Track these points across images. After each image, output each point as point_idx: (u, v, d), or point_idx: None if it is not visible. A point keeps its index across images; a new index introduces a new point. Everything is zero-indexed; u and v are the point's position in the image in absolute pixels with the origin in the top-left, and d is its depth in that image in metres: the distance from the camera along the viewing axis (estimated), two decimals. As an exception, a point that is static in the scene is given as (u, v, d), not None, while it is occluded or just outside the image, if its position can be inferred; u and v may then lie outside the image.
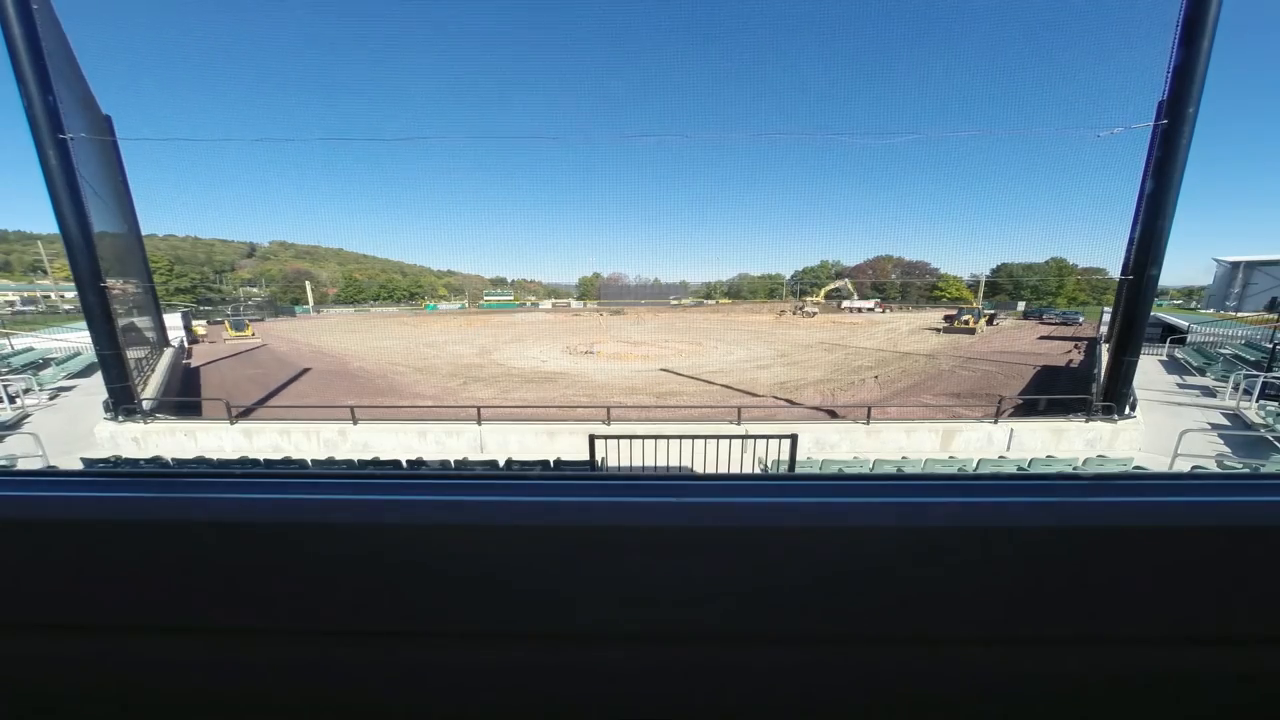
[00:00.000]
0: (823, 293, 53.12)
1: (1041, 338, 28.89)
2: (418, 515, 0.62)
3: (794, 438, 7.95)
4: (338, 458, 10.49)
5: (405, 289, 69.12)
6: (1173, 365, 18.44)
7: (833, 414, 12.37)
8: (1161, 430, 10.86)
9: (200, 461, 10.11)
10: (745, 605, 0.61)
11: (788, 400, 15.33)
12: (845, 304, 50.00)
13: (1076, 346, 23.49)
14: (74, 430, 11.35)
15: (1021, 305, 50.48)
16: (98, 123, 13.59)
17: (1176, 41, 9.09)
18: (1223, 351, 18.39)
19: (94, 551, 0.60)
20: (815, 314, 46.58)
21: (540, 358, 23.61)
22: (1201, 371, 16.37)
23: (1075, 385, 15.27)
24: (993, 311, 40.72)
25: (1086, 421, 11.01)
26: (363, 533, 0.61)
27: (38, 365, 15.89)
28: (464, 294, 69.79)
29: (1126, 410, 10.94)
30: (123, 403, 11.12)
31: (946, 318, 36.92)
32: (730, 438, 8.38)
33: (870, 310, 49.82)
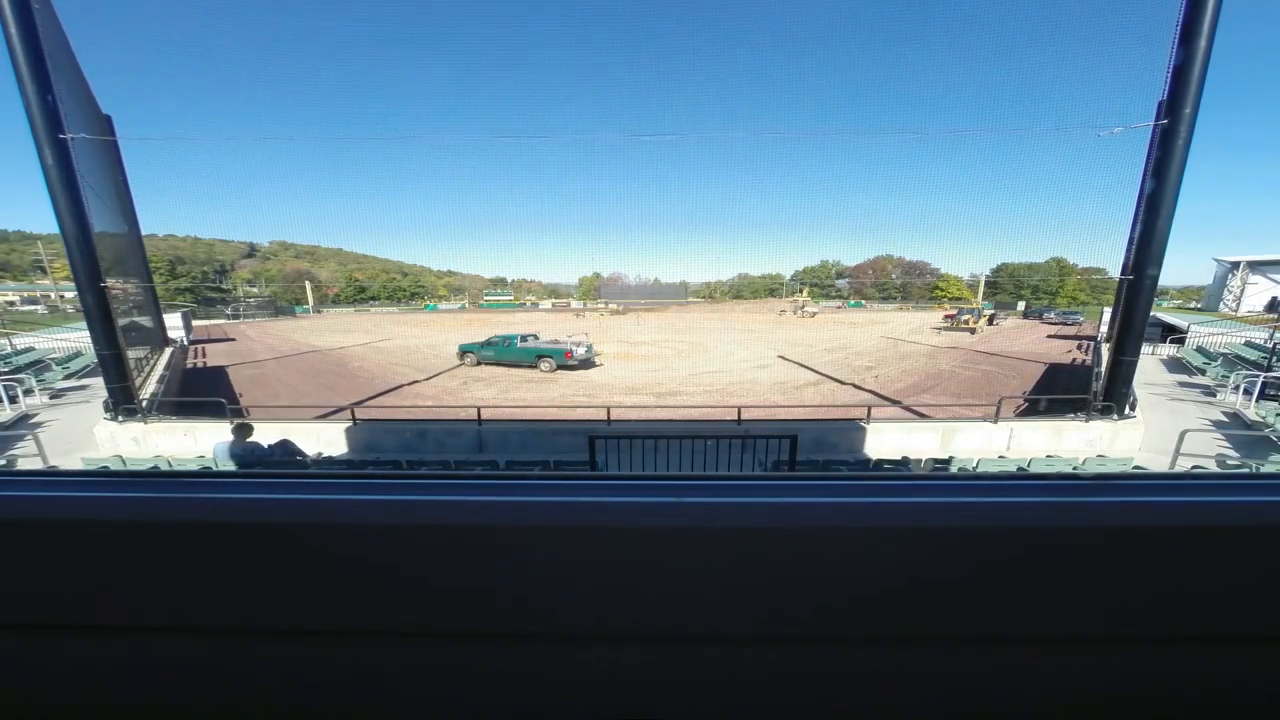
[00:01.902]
0: (805, 293, 52.88)
1: (1049, 336, 28.54)
2: (417, 515, 0.62)
3: (794, 438, 7.95)
4: (337, 458, 10.49)
5: (407, 289, 69.28)
6: (1173, 365, 18.44)
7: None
8: (1162, 430, 10.86)
9: (201, 461, 10.11)
10: (745, 605, 0.61)
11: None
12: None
13: (1080, 346, 23.20)
14: (75, 432, 11.36)
15: (1021, 305, 50.41)
16: (98, 123, 13.58)
17: (1176, 41, 9.09)
18: (1222, 351, 18.41)
19: (94, 551, 0.60)
20: (815, 314, 46.38)
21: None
22: (1202, 371, 16.38)
23: (1076, 384, 15.27)
24: (992, 311, 40.21)
25: (1086, 421, 11.02)
26: (363, 533, 0.61)
27: (41, 365, 15.89)
28: (464, 294, 69.80)
29: (1126, 410, 10.94)
30: (123, 403, 11.13)
31: (946, 317, 36.41)
32: (730, 437, 8.39)
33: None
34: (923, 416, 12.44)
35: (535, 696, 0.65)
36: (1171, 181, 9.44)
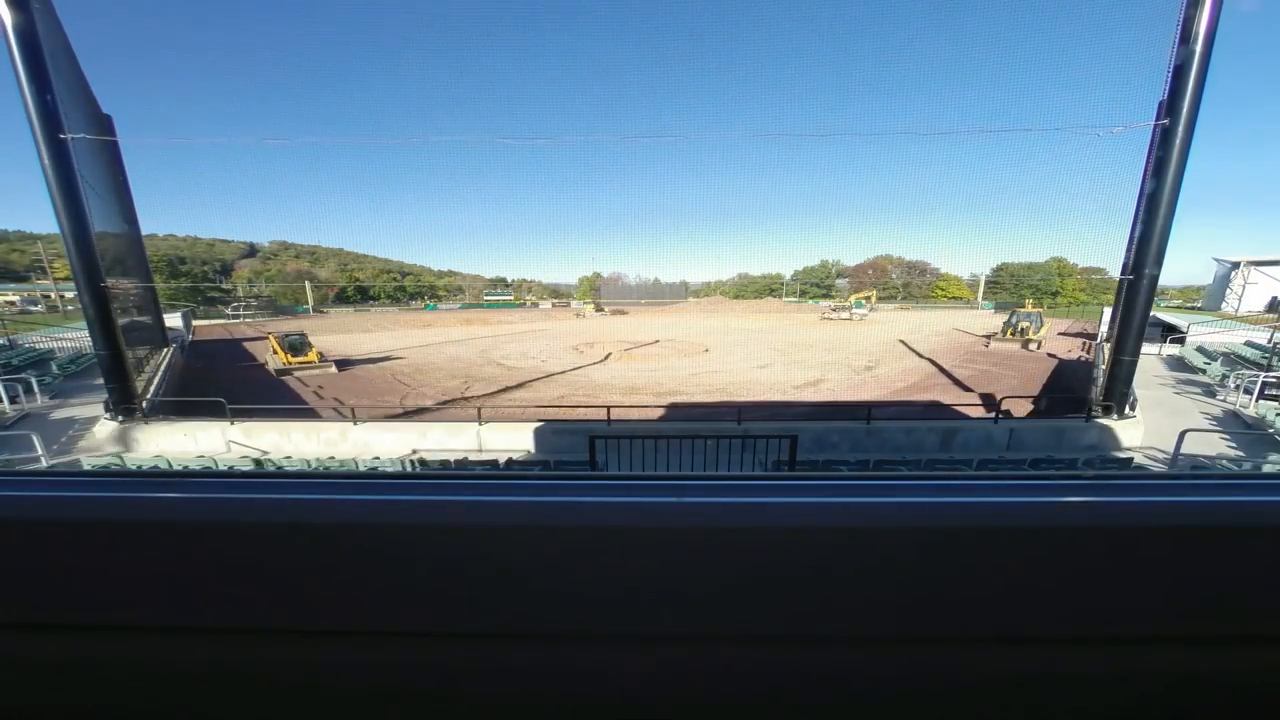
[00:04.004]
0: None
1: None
2: (418, 515, 0.62)
3: (794, 438, 7.95)
4: (338, 458, 10.50)
5: (409, 289, 69.75)
6: (1173, 363, 18.47)
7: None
8: (1162, 429, 10.87)
9: (201, 461, 10.12)
10: (745, 605, 0.61)
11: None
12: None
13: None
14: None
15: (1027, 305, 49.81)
16: (98, 123, 13.59)
17: (1176, 41, 9.10)
18: (1221, 351, 18.45)
19: (94, 551, 0.60)
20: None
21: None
22: (1203, 371, 16.40)
23: (1076, 384, 15.28)
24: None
25: (1086, 421, 11.03)
26: (363, 533, 0.61)
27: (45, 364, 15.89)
28: (464, 294, 70.06)
29: (1126, 410, 10.95)
30: (123, 403, 11.13)
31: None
32: (730, 437, 8.39)
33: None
34: (923, 417, 12.45)
35: (535, 696, 0.65)
36: (1171, 181, 9.45)
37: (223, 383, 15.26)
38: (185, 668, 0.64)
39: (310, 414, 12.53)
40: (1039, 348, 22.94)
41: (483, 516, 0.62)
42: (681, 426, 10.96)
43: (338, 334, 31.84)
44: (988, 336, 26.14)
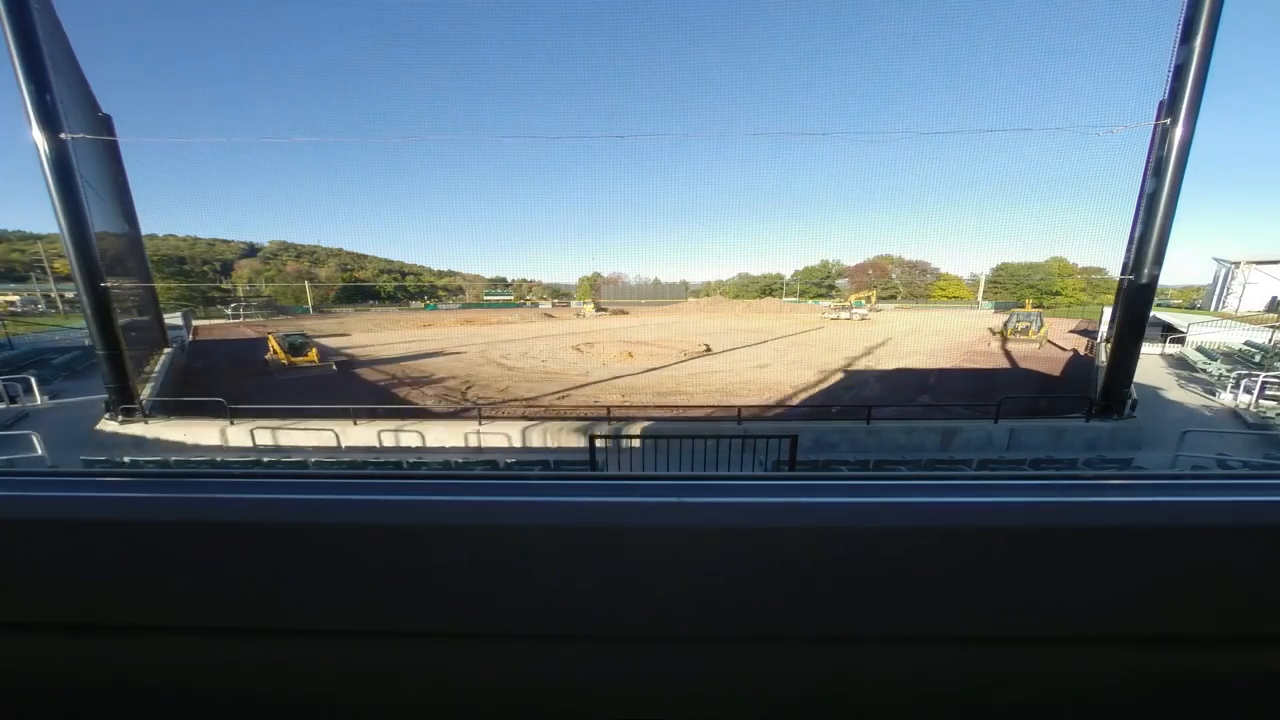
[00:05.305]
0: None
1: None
2: (418, 515, 0.62)
3: (794, 438, 7.94)
4: (338, 457, 10.49)
5: (410, 289, 70.00)
6: (1172, 363, 18.48)
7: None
8: (1161, 429, 10.86)
9: (201, 461, 10.12)
10: (745, 605, 0.61)
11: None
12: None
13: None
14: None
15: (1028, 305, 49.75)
16: (97, 123, 13.58)
17: (1176, 41, 9.10)
18: (1221, 351, 18.47)
19: (94, 551, 0.60)
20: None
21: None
22: (1206, 371, 16.40)
23: (1076, 384, 15.28)
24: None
25: (1086, 421, 11.02)
26: (362, 533, 0.61)
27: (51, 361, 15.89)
28: (464, 293, 70.22)
29: (1126, 410, 10.94)
30: (123, 402, 11.13)
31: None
32: (730, 437, 8.38)
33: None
34: (923, 417, 12.44)
35: (535, 695, 0.65)
36: (1171, 181, 9.45)
37: (240, 382, 15.26)
38: (185, 667, 0.64)
39: (310, 414, 12.49)
40: (1040, 347, 23.86)
41: (483, 516, 0.62)
42: (681, 426, 10.96)
43: (339, 334, 31.76)
44: (998, 335, 26.92)
